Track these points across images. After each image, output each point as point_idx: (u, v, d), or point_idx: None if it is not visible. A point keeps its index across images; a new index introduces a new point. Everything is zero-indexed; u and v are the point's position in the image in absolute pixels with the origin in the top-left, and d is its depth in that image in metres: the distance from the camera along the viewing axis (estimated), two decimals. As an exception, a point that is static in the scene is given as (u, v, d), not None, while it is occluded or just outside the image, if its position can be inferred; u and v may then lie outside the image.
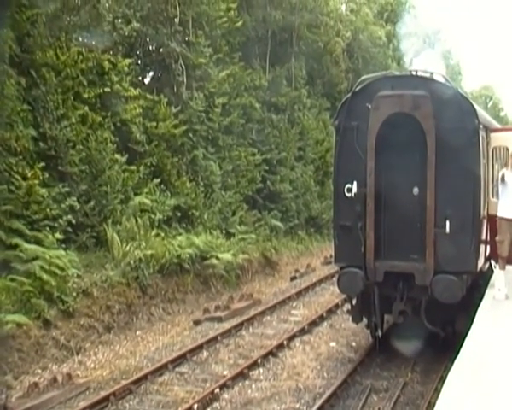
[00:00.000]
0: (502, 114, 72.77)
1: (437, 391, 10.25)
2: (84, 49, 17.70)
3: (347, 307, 14.49)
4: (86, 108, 17.42)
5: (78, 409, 10.78)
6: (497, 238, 11.65)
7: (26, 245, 14.09)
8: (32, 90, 16.02)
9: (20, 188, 14.64)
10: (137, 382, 12.14)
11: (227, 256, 20.31)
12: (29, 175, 14.92)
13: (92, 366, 13.38)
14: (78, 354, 13.75)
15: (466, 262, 11.95)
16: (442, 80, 12.76)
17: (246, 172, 25.17)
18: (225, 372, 12.82)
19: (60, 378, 12.03)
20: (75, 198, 16.30)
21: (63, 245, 15.27)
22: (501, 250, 11.56)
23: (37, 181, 15.01)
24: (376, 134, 11.97)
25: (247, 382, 12.43)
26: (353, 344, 14.73)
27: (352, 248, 12.27)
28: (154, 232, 18.54)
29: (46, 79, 16.25)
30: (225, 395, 11.73)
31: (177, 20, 21.95)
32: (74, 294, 14.59)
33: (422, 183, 11.93)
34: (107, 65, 18.37)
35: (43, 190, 15.19)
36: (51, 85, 16.34)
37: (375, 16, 42.13)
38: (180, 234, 19.87)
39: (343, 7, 40.57)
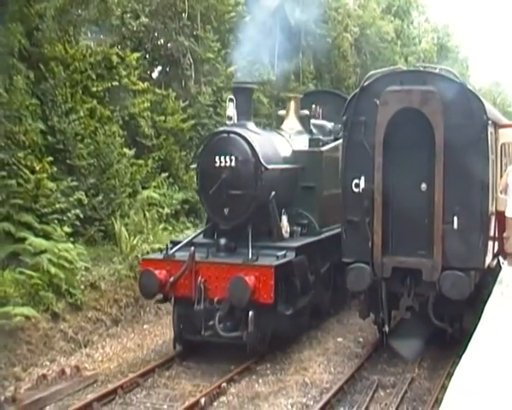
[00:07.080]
0: (510, 109, 72.44)
1: (444, 387, 10.27)
2: (92, 44, 17.74)
3: (355, 302, 14.52)
4: (94, 102, 17.45)
5: (85, 401, 10.83)
6: (504, 234, 11.73)
7: (34, 238, 14.13)
8: (40, 84, 16.05)
9: (29, 181, 14.65)
10: (145, 375, 12.18)
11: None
12: (37, 169, 14.93)
13: (100, 358, 13.40)
14: (85, 346, 13.78)
15: (474, 258, 11.92)
16: (451, 76, 12.73)
17: (253, 166, 25.07)
18: (232, 367, 12.85)
19: (68, 371, 12.08)
20: (83, 192, 16.33)
21: (71, 238, 15.28)
22: (507, 246, 11.63)
23: (45, 175, 15.02)
24: (384, 129, 11.97)
25: (253, 376, 12.46)
26: (360, 340, 14.74)
27: (360, 244, 12.28)
28: (161, 226, 18.55)
29: (55, 73, 16.27)
30: (232, 390, 11.76)
31: (185, 15, 21.94)
32: (82, 287, 14.62)
33: (430, 178, 11.91)
34: (115, 59, 18.37)
35: (52, 184, 15.21)
36: (60, 79, 16.35)
37: (383, 11, 41.94)
38: (188, 228, 19.87)
39: (351, 1, 40.43)
